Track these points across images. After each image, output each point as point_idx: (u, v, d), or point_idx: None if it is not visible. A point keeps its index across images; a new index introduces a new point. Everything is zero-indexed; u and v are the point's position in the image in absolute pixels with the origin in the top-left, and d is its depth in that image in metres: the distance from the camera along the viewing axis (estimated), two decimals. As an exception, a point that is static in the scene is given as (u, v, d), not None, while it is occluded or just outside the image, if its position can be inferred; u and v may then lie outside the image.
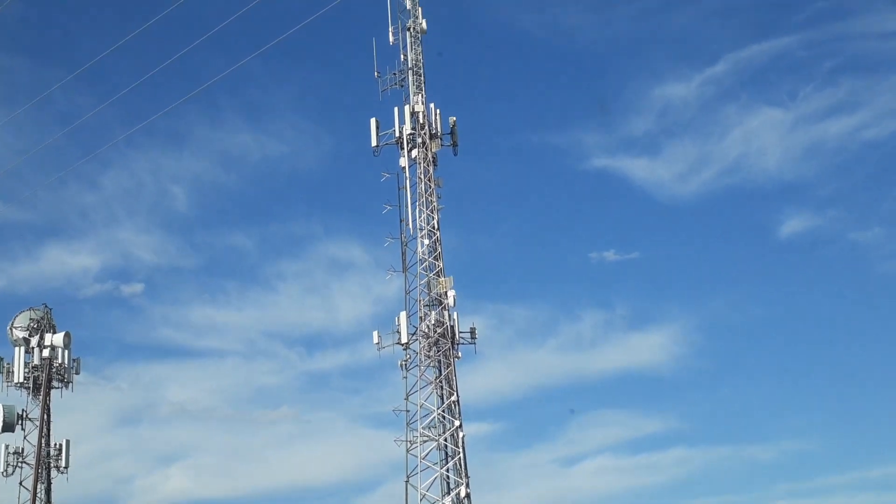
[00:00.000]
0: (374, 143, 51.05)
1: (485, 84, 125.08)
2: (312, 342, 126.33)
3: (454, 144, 51.69)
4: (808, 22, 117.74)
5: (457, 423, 47.61)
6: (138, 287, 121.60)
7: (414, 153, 50.47)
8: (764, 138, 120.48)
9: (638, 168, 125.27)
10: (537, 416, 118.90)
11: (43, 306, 60.51)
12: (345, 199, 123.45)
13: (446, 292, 48.83)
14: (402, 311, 49.23)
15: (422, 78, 51.91)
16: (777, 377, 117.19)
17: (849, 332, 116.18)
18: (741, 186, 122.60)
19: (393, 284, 49.99)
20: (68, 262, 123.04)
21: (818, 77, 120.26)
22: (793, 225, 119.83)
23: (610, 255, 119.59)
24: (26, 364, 58.78)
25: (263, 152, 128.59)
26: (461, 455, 47.23)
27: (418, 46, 52.12)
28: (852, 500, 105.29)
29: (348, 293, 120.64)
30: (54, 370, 58.33)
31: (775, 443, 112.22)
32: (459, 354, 48.93)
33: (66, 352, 59.46)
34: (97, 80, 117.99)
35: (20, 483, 57.92)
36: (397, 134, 50.82)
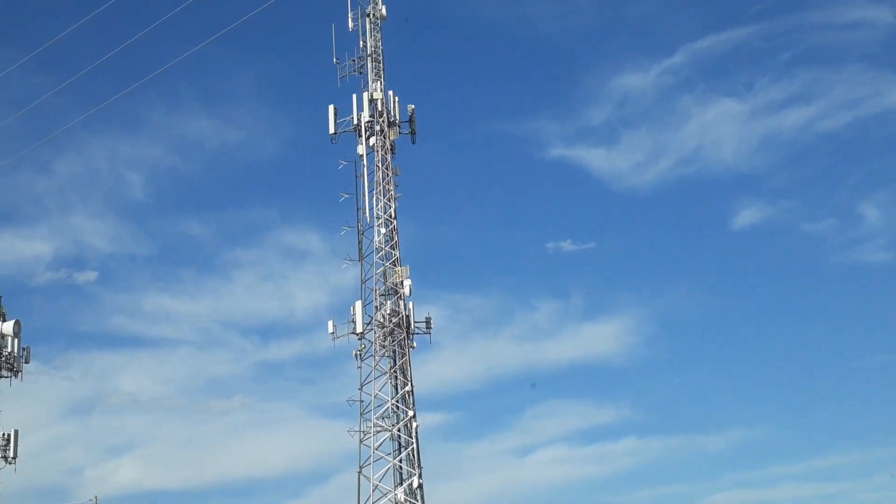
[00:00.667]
0: (331, 130, 50.53)
1: (445, 72, 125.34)
2: (268, 331, 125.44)
3: (412, 132, 51.29)
4: (765, 13, 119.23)
5: (410, 413, 47.13)
6: (92, 275, 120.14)
7: (372, 141, 50.00)
8: (720, 129, 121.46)
9: (596, 158, 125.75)
10: (492, 406, 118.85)
11: (-7, 294, 59.36)
12: (303, 187, 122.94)
13: (402, 282, 48.38)
14: (358, 300, 48.78)
15: (381, 65, 51.48)
16: (729, 367, 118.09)
17: (801, 323, 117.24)
18: (697, 177, 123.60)
19: (350, 274, 49.53)
20: (20, 248, 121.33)
21: (775, 68, 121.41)
22: (747, 216, 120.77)
23: (567, 246, 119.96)
24: (-26, 352, 57.55)
25: (221, 138, 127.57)
26: (414, 445, 46.77)
27: (378, 33, 51.70)
28: (801, 490, 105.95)
29: (305, 282, 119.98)
30: (3, 359, 57.18)
31: (726, 432, 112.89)
32: (414, 344, 48.52)
33: (16, 340, 58.23)
34: (53, 63, 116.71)
35: (-34, 474, 56.80)
36: (355, 121, 50.34)
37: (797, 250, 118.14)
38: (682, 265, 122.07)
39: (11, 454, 57.60)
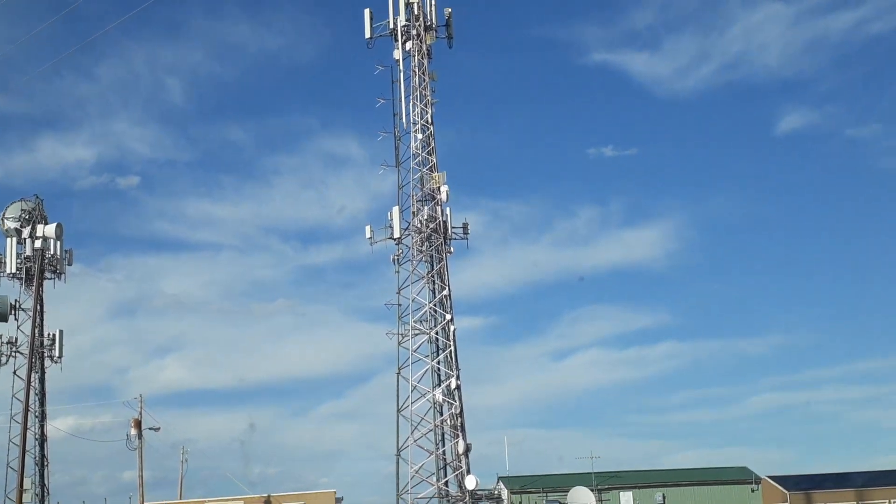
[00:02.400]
0: (367, 34, 50.16)
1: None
2: (308, 236, 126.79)
3: (449, 37, 50.90)
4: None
5: (448, 316, 48.06)
6: (134, 180, 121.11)
7: (408, 45, 49.69)
8: (766, 33, 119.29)
9: (638, 63, 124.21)
10: (530, 310, 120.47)
11: (34, 197, 60.27)
12: (342, 94, 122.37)
13: (439, 187, 48.71)
14: (395, 206, 49.28)
15: (417, -32, 50.74)
16: (769, 273, 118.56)
17: (844, 229, 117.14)
18: (741, 82, 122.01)
19: (388, 179, 49.87)
20: (63, 153, 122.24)
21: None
22: (791, 121, 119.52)
23: (608, 151, 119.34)
24: (18, 255, 58.78)
25: (261, 44, 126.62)
26: (452, 348, 47.78)
27: (414, -65, 50.81)
28: (842, 392, 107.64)
29: (344, 188, 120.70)
30: (46, 261, 58.35)
31: (765, 337, 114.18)
32: (451, 250, 49.11)
33: (59, 243, 59.44)
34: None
35: (14, 372, 58.61)
36: (391, 25, 49.91)
37: (842, 155, 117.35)
38: (725, 171, 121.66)
39: (57, 353, 59.36)
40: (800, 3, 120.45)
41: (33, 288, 57.67)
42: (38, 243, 57.89)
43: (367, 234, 49.28)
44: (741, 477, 70.85)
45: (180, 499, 63.40)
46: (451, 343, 47.87)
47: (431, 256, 48.84)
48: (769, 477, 71.83)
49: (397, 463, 47.58)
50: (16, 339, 58.93)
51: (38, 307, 58.07)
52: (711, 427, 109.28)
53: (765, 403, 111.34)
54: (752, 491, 69.51)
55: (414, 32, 49.61)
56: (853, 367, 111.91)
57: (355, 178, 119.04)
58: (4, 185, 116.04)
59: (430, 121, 49.41)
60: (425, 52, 49.62)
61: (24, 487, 54.33)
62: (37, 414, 58.49)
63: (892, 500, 70.06)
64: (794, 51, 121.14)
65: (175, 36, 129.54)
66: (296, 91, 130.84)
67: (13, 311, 58.89)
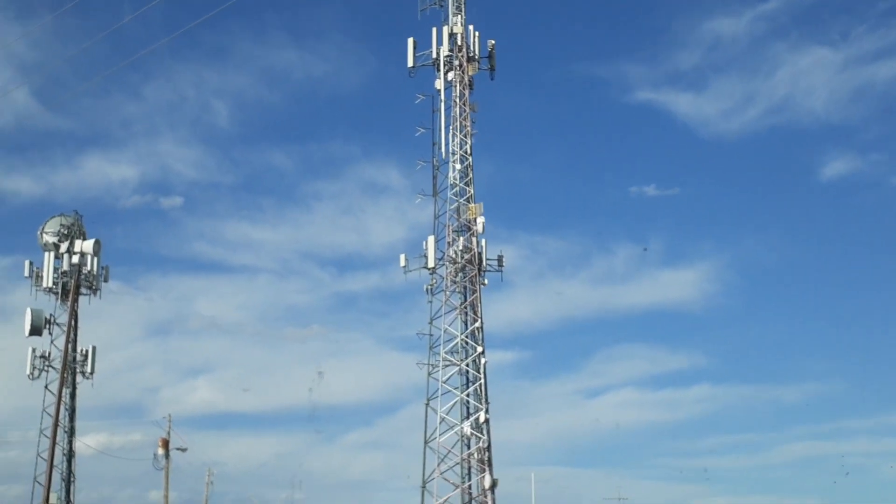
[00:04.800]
0: (410, 63, 50.25)
1: (528, 9, 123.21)
2: (344, 263, 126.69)
3: (492, 69, 50.81)
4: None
5: (479, 349, 47.53)
6: (177, 200, 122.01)
7: (450, 76, 49.67)
8: (812, 78, 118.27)
9: (682, 103, 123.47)
10: (563, 347, 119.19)
11: (74, 213, 60.77)
12: (384, 122, 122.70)
13: (475, 218, 48.42)
14: (431, 235, 49.01)
15: (462, -1, 50.89)
16: (807, 320, 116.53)
17: (883, 278, 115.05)
18: (786, 126, 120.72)
19: (426, 209, 49.70)
20: (108, 171, 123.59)
21: (871, 18, 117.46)
22: (835, 167, 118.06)
23: (650, 191, 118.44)
24: (55, 269, 59.09)
25: (306, 70, 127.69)
26: (482, 381, 47.24)
27: (459, -35, 50.97)
28: (874, 445, 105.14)
29: (382, 216, 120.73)
30: (83, 277, 58.65)
31: (800, 384, 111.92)
32: (486, 282, 48.69)
33: (96, 259, 59.70)
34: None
35: (45, 387, 58.68)
36: (434, 55, 49.98)
37: (885, 204, 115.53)
38: (766, 215, 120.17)
39: (89, 370, 59.48)
40: (848, 49, 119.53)
41: (68, 303, 57.95)
42: (75, 258, 58.24)
43: (402, 263, 49.08)
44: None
45: (204, 523, 63.06)
46: (482, 376, 47.33)
47: (465, 288, 48.44)
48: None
49: (422, 495, 46.96)
50: (49, 353, 59.11)
51: (73, 322, 58.31)
52: (744, 473, 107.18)
53: (797, 452, 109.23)
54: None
55: (456, 63, 49.60)
56: (889, 418, 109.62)
57: (394, 206, 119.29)
58: (48, 201, 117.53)
59: (469, 151, 49.20)
60: (467, 82, 49.54)
61: (50, 503, 54.25)
62: (66, 429, 58.52)
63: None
64: (841, 97, 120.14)
65: (223, 59, 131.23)
66: (339, 118, 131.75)
67: (48, 326, 59.13)
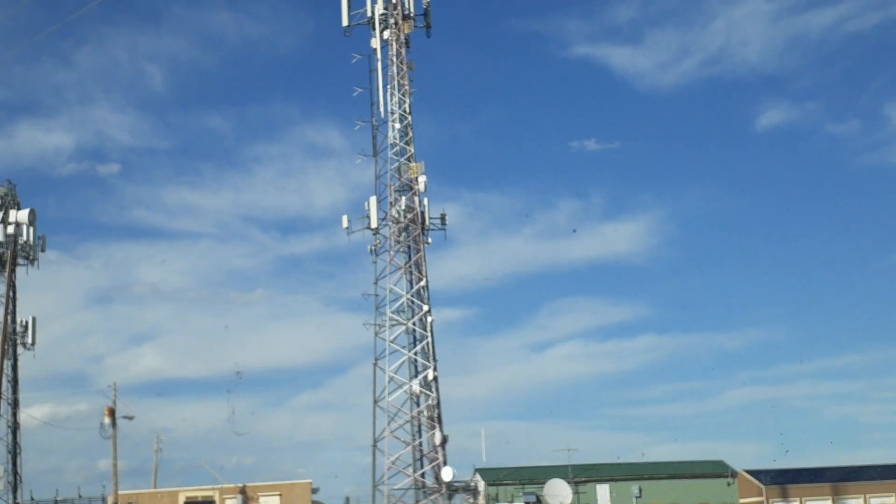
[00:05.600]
0: (345, 22, 49.81)
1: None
2: (287, 226, 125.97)
3: (427, 26, 50.58)
4: None
5: (425, 307, 47.79)
6: (114, 167, 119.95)
7: (386, 34, 49.32)
8: (746, 29, 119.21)
9: (620, 57, 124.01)
10: (509, 302, 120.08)
11: (7, 182, 59.36)
12: (323, 83, 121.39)
13: (417, 178, 48.42)
14: (373, 196, 48.93)
15: (395, -44, 50.35)
16: (747, 268, 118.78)
17: (822, 224, 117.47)
18: (722, 77, 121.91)
19: (368, 170, 49.58)
20: (41, 140, 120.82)
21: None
22: (771, 117, 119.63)
23: (591, 145, 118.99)
24: (-10, 241, 57.88)
25: (242, 33, 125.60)
26: (429, 339, 47.54)
27: (392, -78, 50.38)
28: (816, 388, 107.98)
29: (324, 178, 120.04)
30: (19, 247, 57.59)
31: (742, 331, 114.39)
32: (430, 240, 48.87)
33: (31, 229, 58.51)
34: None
35: (-14, 359, 57.73)
36: (369, 13, 49.55)
37: (821, 152, 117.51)
38: (706, 165, 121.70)
39: (30, 341, 58.55)
40: (780, 0, 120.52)
41: (6, 274, 56.96)
42: (10, 229, 57.11)
43: (345, 224, 49.01)
44: (717, 471, 70.97)
45: (154, 488, 62.93)
46: (429, 334, 47.63)
47: (409, 247, 48.57)
48: (745, 471, 71.97)
49: (373, 454, 47.44)
50: (-12, 325, 58.00)
51: (11, 293, 57.36)
52: (688, 421, 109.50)
53: (741, 398, 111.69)
54: (728, 485, 69.64)
55: (392, 21, 49.25)
56: (830, 362, 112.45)
57: (336, 167, 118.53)
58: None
59: (407, 110, 49.06)
60: (403, 41, 49.26)
61: (-5, 476, 53.77)
62: (9, 401, 57.77)
63: (867, 496, 70.38)
64: (775, 47, 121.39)
65: (156, 23, 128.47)
66: (277, 80, 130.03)
67: (-15, 298, 58.03)
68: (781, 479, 71.64)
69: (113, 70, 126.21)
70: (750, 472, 71.93)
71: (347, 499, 57.30)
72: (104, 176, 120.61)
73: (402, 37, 49.25)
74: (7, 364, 56.82)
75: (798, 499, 70.27)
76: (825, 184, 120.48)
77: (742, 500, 69.99)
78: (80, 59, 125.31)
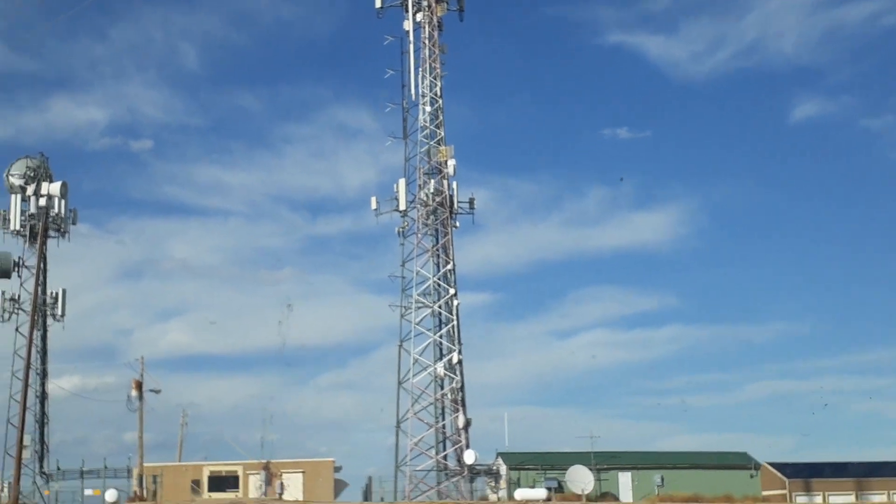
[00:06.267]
0: (378, 3, 49.78)
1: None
2: (317, 207, 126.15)
3: (461, 9, 50.44)
4: None
5: (451, 291, 47.82)
6: (147, 143, 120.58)
7: (419, 17, 49.25)
8: (782, 21, 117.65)
9: (653, 46, 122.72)
10: (535, 288, 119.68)
11: (40, 155, 59.91)
12: (356, 65, 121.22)
13: (446, 161, 48.42)
14: (402, 178, 49.00)
15: (431, -61, 50.18)
16: (776, 261, 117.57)
17: (853, 219, 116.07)
18: (756, 69, 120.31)
19: (398, 152, 49.74)
20: (75, 114, 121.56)
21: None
22: (805, 110, 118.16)
23: (623, 133, 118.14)
24: (23, 212, 58.45)
25: (276, 13, 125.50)
26: (455, 322, 47.62)
27: None
28: (841, 383, 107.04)
29: (355, 159, 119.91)
30: (51, 219, 58.09)
31: (769, 324, 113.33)
32: (457, 224, 48.99)
33: (63, 201, 59.02)
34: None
35: (16, 329, 58.40)
36: (402, -5, 49.49)
37: (855, 146, 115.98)
38: (737, 157, 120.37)
39: (60, 312, 59.19)
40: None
41: (37, 245, 57.46)
42: (42, 201, 57.60)
43: (373, 206, 49.17)
44: (740, 462, 70.51)
45: (179, 461, 63.44)
46: (454, 318, 47.72)
47: (437, 230, 48.60)
48: (769, 463, 71.55)
49: (397, 435, 47.70)
50: (18, 296, 58.65)
51: (42, 265, 57.84)
52: (712, 412, 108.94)
53: (766, 390, 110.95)
54: (752, 477, 69.19)
55: (425, 3, 49.14)
56: (856, 357, 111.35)
57: (366, 149, 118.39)
58: (15, 144, 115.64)
59: (438, 93, 49.01)
60: (436, 23, 49.20)
61: (24, 444, 54.36)
62: (38, 371, 58.46)
63: (891, 492, 69.84)
64: (810, 40, 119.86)
65: (190, 1, 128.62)
66: (310, 60, 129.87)
67: (16, 269, 58.67)
68: (805, 472, 71.14)
69: (147, 46, 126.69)
70: (773, 465, 71.48)
71: (370, 478, 57.56)
72: (137, 152, 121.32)
73: (435, 19, 49.19)
74: (37, 335, 57.42)
75: (821, 493, 69.81)
76: (858, 178, 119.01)
77: (765, 493, 69.65)
78: (115, 35, 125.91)
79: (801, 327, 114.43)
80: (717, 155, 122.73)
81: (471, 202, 49.20)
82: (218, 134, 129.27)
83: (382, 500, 49.02)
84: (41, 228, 56.97)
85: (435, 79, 48.99)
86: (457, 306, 47.70)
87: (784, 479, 70.63)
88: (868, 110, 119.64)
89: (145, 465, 54.33)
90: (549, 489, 50.27)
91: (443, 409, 47.56)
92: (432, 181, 48.32)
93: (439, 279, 48.08)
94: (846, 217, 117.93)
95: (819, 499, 69.72)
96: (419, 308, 48.00)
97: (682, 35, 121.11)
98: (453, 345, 47.40)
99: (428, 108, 48.70)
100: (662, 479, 66.37)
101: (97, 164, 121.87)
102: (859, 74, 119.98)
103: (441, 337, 47.75)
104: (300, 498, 50.10)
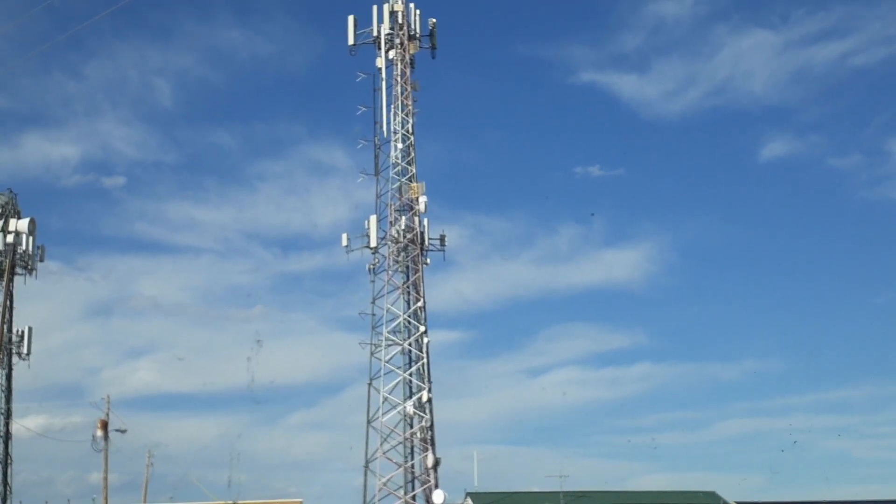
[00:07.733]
0: (350, 41, 50.02)
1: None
2: (289, 243, 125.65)
3: (433, 47, 50.72)
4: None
5: (422, 328, 47.63)
6: (119, 180, 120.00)
7: (391, 54, 49.49)
8: (752, 60, 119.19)
9: (626, 84, 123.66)
10: (507, 326, 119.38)
11: (8, 191, 59.35)
12: (330, 102, 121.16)
13: (417, 198, 48.43)
14: (373, 214, 48.92)
15: (403, -23, 50.61)
16: (746, 299, 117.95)
17: (822, 258, 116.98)
18: (726, 108, 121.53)
19: (371, 189, 49.58)
20: (48, 150, 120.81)
21: (810, 1, 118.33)
22: (774, 148, 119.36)
23: (595, 171, 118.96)
24: (-11, 249, 57.77)
25: (251, 50, 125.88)
26: (425, 360, 47.38)
27: (400, -55, 50.66)
28: (811, 421, 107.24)
29: (328, 196, 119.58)
30: (18, 256, 57.51)
31: (738, 362, 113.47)
32: (428, 261, 48.79)
33: (31, 238, 58.42)
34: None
35: (-20, 368, 57.52)
36: (375, 33, 49.79)
37: (823, 185, 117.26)
38: (707, 196, 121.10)
39: (25, 351, 58.37)
40: (788, 32, 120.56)
41: (3, 283, 56.83)
42: (9, 238, 57.05)
43: (344, 242, 48.98)
44: (709, 501, 70.44)
45: (144, 502, 62.61)
46: (425, 355, 47.48)
47: (408, 267, 48.48)
48: (737, 502, 71.45)
49: (365, 474, 47.14)
50: (-17, 334, 57.84)
51: (8, 302, 57.21)
52: (681, 450, 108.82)
53: (735, 428, 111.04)
54: (722, 516, 69.11)
55: (397, 41, 49.41)
56: (825, 395, 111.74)
57: (339, 186, 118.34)
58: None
59: (410, 130, 49.13)
60: (408, 61, 49.42)
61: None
62: (2, 411, 57.56)
63: (860, 531, 69.85)
64: (780, 79, 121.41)
65: (165, 38, 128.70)
66: (284, 97, 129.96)
67: (-18, 307, 57.90)
68: (775, 512, 71.10)
69: (121, 83, 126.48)
70: (743, 505, 71.40)
71: (338, 519, 57.07)
72: (109, 188, 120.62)
73: (407, 57, 49.44)
74: (1, 374, 56.65)
75: (792, 533, 69.77)
76: (826, 217, 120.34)
77: (735, 533, 69.47)
78: (89, 72, 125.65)
79: (771, 365, 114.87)
80: (689, 193, 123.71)
81: (441, 239, 49.21)
82: (191, 170, 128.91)
83: (351, 540, 48.51)
84: (8, 266, 56.38)
85: (407, 116, 49.15)
86: (427, 344, 47.52)
87: (754, 518, 70.40)
88: (835, 150, 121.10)
89: (110, 505, 53.57)
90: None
91: (412, 448, 47.16)
92: (403, 218, 48.28)
93: (409, 316, 47.91)
94: (815, 255, 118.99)
95: (789, 539, 69.47)
96: (389, 346, 47.76)
97: (654, 74, 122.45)
98: (423, 383, 47.13)
99: (400, 145, 48.80)
100: (633, 519, 66.04)
101: (69, 201, 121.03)
102: (827, 114, 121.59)
103: (411, 375, 47.47)
104: (268, 538, 49.48)
